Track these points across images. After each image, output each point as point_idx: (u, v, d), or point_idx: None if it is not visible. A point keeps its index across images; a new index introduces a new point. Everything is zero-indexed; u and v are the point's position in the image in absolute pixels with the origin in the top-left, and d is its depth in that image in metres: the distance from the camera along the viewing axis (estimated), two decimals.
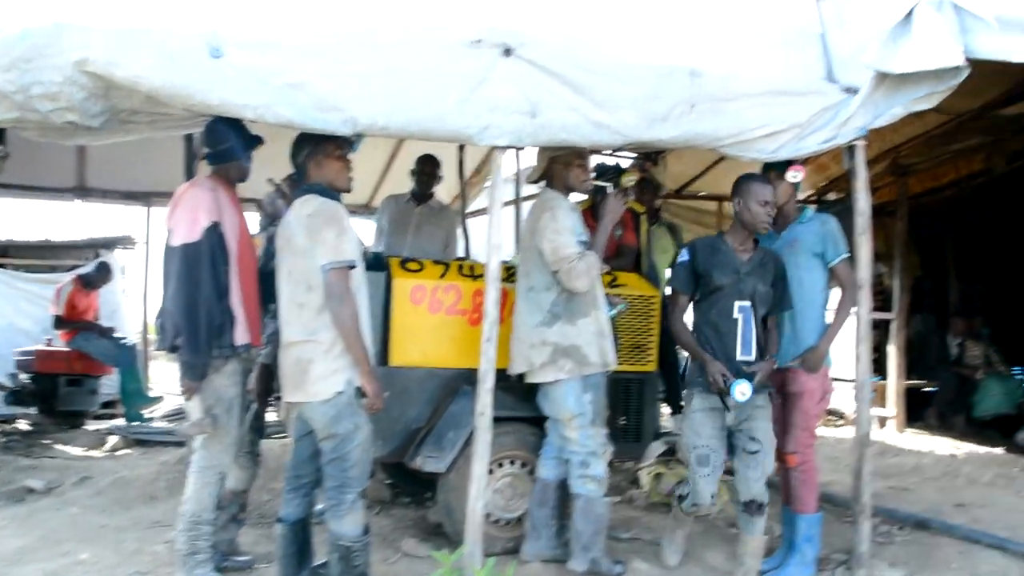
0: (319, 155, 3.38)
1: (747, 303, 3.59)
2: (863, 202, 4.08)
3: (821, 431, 4.23)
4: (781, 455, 3.92)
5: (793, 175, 4.01)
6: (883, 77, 3.86)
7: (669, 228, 5.73)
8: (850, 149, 4.05)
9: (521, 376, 3.77)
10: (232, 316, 3.40)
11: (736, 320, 3.58)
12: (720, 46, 3.91)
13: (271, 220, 4.39)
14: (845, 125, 3.92)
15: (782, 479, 4.06)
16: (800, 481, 3.91)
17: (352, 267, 3.22)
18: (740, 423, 3.60)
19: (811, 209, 4.13)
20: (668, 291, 3.82)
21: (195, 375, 3.34)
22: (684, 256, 3.69)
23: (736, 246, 3.66)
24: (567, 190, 3.86)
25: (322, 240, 3.18)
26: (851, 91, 3.92)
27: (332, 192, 3.36)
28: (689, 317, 3.87)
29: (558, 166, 3.83)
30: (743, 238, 3.67)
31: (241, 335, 3.43)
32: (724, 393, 3.50)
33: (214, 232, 3.33)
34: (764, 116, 3.79)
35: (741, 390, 3.46)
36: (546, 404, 3.78)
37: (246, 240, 3.56)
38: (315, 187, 3.34)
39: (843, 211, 4.14)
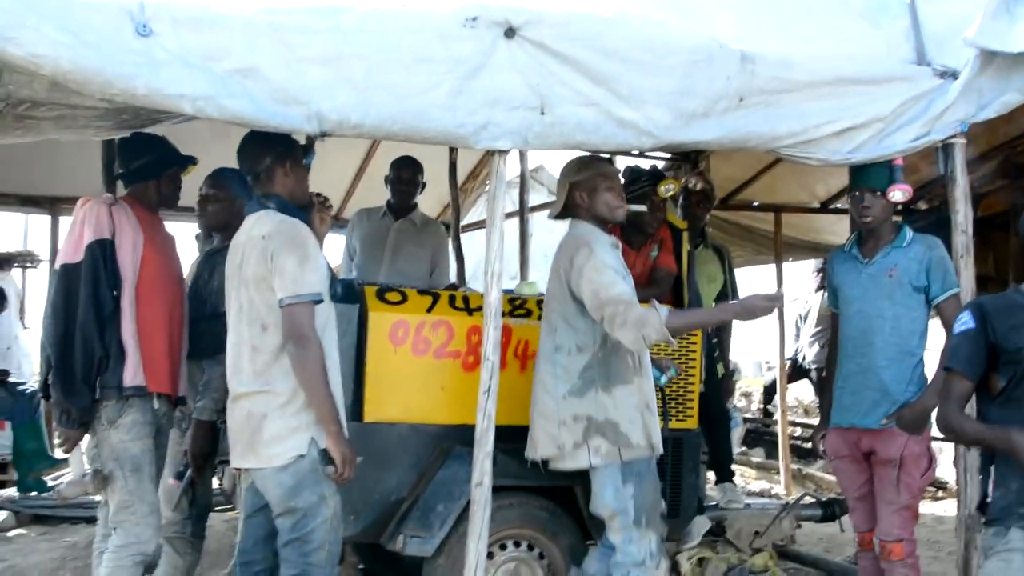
0: (290, 160, 3.51)
1: None
2: (963, 215, 4.17)
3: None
4: (881, 544, 3.96)
5: (897, 194, 4.06)
6: (991, 58, 3.98)
7: (716, 250, 5.84)
8: (945, 148, 4.16)
9: (544, 462, 3.79)
10: (121, 350, 3.55)
11: None
12: (777, 21, 4.04)
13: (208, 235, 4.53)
14: (941, 118, 4.03)
15: (873, 573, 4.10)
16: None
17: (318, 302, 3.33)
18: None
19: (909, 229, 4.19)
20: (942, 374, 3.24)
21: (71, 421, 3.47)
22: (968, 322, 3.09)
23: None
24: (599, 221, 3.87)
25: (280, 268, 3.28)
26: (948, 75, 4.03)
27: (294, 207, 3.49)
28: None
29: (581, 193, 3.85)
30: None
31: (132, 375, 3.56)
32: None
33: (99, 250, 3.52)
34: (835, 109, 3.90)
35: None
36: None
37: (166, 270, 3.73)
38: (272, 199, 3.46)
39: (935, 224, 4.25)
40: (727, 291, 5.71)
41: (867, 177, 4.10)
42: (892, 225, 4.16)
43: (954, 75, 4.03)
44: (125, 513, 3.56)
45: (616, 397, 3.67)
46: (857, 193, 4.12)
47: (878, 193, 4.06)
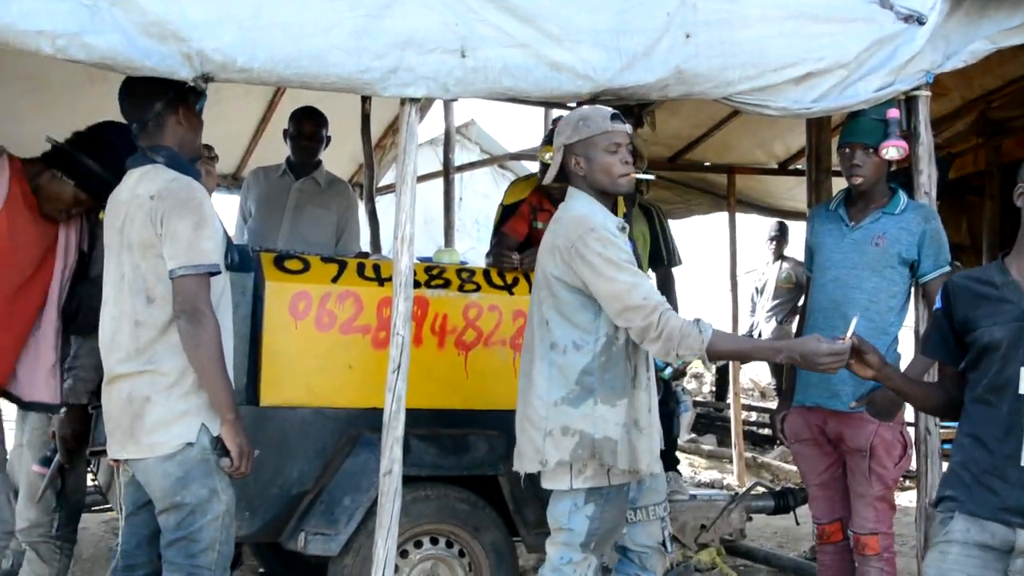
0: (184, 106, 3.44)
1: None
2: (927, 175, 4.25)
3: None
4: (855, 538, 4.04)
5: (891, 151, 4.01)
6: (959, 1, 4.05)
7: (644, 210, 5.85)
8: (908, 101, 4.23)
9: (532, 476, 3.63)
10: None
11: (1022, 399, 2.92)
12: None
13: None
14: (906, 67, 4.10)
15: (835, 570, 4.20)
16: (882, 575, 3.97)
17: (215, 273, 3.30)
18: None
19: (904, 194, 4.16)
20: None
21: None
22: (937, 301, 3.16)
23: None
24: (599, 192, 3.61)
25: (172, 234, 3.23)
26: (913, 20, 4.08)
27: (185, 162, 3.43)
28: None
29: (577, 159, 3.58)
30: None
31: None
32: None
33: None
34: (796, 50, 3.94)
35: None
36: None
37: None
38: (160, 152, 3.39)
39: (904, 187, 4.29)
40: (661, 252, 5.70)
41: (858, 132, 4.09)
42: (885, 188, 4.14)
43: (919, 20, 4.09)
44: None
45: (619, 412, 3.50)
46: (847, 150, 4.10)
47: (870, 150, 4.03)
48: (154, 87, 3.34)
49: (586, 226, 3.46)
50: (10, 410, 4.08)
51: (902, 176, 4.47)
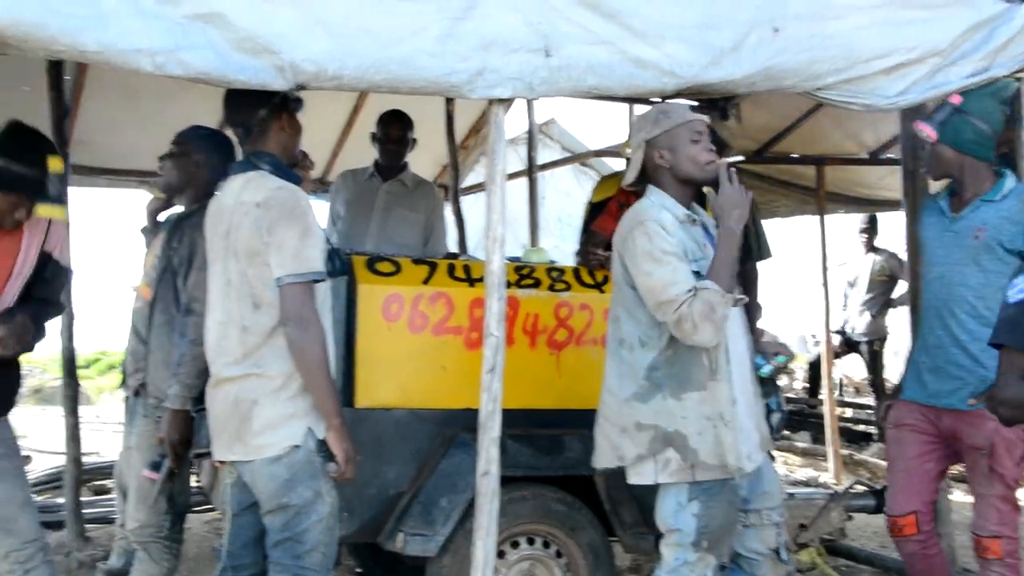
0: (287, 112, 3.53)
1: None
2: None
3: None
4: (976, 540, 3.93)
5: (920, 132, 4.00)
6: None
7: None
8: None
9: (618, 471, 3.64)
10: None
11: None
12: None
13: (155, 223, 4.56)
14: (1004, 50, 4.02)
15: (922, 562, 4.13)
16: None
17: (319, 280, 3.37)
18: None
19: (1012, 178, 4.04)
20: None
21: None
22: (1020, 292, 2.90)
23: None
24: (687, 184, 3.62)
25: (279, 243, 3.30)
26: None
27: (289, 169, 3.52)
28: None
29: (661, 152, 3.59)
30: None
31: None
32: None
33: None
34: (885, 40, 3.88)
35: None
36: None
37: None
38: (265, 158, 3.47)
39: None
40: (751, 244, 5.68)
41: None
42: (986, 172, 4.02)
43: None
44: None
45: (686, 405, 3.47)
46: None
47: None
48: (259, 94, 3.40)
49: (638, 219, 3.52)
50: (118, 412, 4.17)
51: (1005, 164, 4.40)
